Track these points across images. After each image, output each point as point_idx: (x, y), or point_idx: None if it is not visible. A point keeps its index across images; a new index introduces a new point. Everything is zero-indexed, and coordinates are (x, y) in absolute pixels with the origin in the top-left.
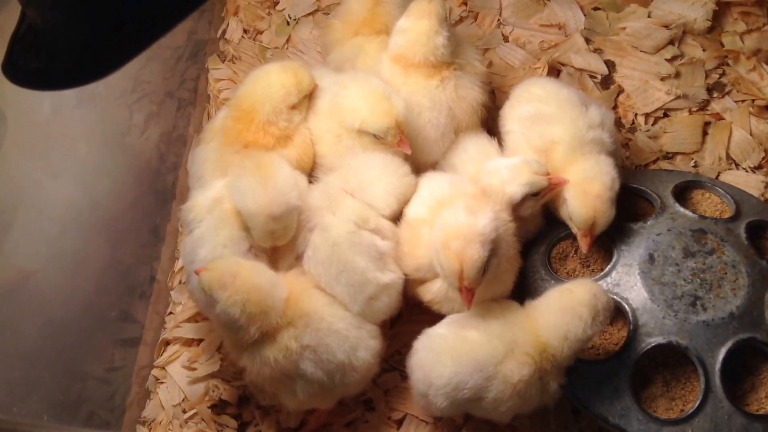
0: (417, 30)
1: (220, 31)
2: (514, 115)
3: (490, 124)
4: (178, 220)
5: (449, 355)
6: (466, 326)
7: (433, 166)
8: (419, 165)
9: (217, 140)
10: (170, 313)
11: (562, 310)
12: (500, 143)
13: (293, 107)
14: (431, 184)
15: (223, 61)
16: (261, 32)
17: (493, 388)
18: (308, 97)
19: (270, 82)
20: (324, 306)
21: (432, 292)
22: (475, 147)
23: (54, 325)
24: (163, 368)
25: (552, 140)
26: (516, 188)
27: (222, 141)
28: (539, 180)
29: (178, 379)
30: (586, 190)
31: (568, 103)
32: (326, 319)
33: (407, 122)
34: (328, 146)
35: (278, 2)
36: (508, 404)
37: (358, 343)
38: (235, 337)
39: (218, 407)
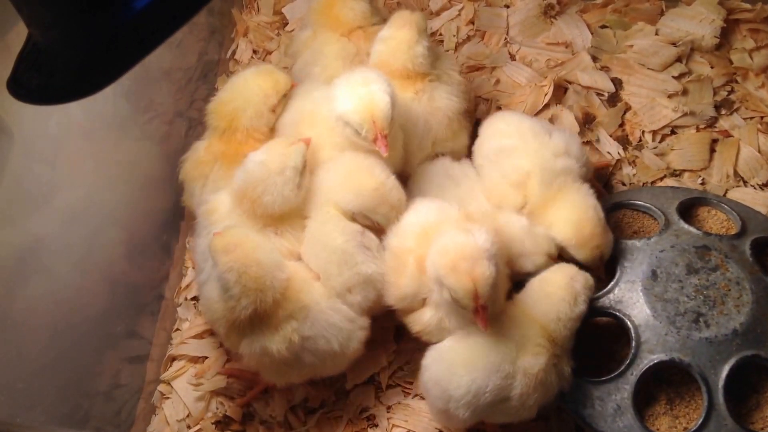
0: (398, 39)
1: (229, 52)
2: (482, 152)
3: None
4: (186, 238)
5: (462, 364)
6: (472, 333)
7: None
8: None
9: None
10: (177, 329)
11: (545, 296)
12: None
13: (273, 110)
14: (416, 212)
15: None
16: (270, 53)
17: (517, 384)
18: (286, 97)
19: (248, 87)
20: (323, 298)
21: (422, 322)
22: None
23: (62, 341)
24: (169, 384)
25: (525, 172)
26: (536, 259)
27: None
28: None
29: (183, 395)
30: (582, 235)
31: (531, 133)
32: (325, 312)
33: (389, 123)
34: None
35: (287, 23)
36: (534, 396)
37: (351, 334)
38: (229, 314)
39: (222, 423)
